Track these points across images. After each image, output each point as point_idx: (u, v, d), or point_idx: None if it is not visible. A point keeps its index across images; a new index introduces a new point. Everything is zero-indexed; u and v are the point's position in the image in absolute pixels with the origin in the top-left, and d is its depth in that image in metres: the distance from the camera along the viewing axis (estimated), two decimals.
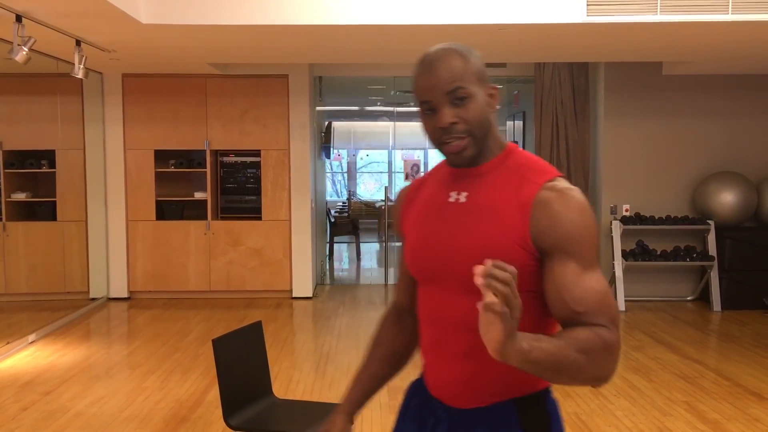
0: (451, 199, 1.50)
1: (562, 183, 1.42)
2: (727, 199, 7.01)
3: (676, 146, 7.41)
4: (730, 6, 4.68)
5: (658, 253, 7.17)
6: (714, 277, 6.99)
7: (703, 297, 7.33)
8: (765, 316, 6.73)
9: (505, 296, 1.19)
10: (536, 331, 1.33)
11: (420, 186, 1.62)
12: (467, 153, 1.45)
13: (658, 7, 4.72)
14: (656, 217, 7.26)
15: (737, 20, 4.72)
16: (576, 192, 1.41)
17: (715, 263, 6.98)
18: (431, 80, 1.44)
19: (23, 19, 4.46)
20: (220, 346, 2.88)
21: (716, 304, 6.96)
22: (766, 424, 3.96)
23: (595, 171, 7.62)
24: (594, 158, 7.62)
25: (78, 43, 5.28)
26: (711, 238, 7.06)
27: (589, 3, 4.75)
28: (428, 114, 1.46)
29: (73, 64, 5.31)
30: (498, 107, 1.48)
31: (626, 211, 7.40)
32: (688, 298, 7.44)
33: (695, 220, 7.16)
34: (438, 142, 1.47)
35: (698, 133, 7.40)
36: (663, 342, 5.79)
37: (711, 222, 7.07)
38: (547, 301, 1.41)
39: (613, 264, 7.09)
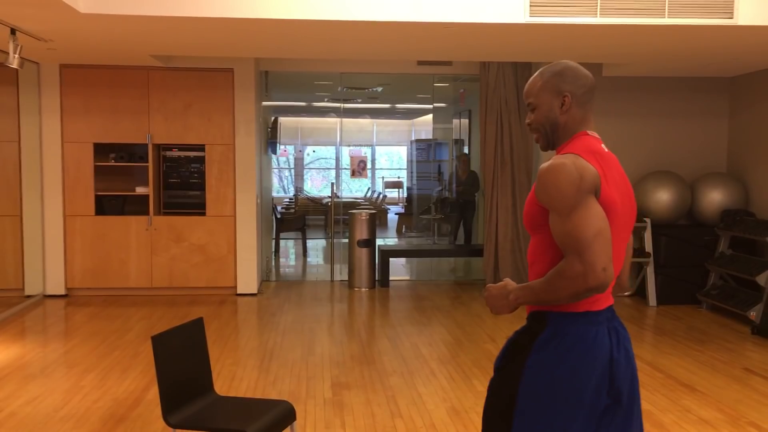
0: None
1: (556, 160, 1.93)
2: (662, 197, 7.25)
3: (614, 146, 7.61)
4: (667, 9, 4.84)
5: None
6: (650, 273, 7.22)
7: (640, 292, 7.56)
8: (698, 311, 6.98)
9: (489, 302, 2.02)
10: (556, 258, 1.94)
11: None
12: (539, 142, 2.12)
13: (598, 10, 4.85)
14: None
15: (673, 23, 4.88)
16: (557, 163, 1.91)
17: (651, 259, 7.21)
18: (524, 93, 2.11)
19: None
20: (160, 343, 2.83)
21: (652, 299, 7.19)
22: (697, 414, 4.12)
23: (537, 168, 7.76)
24: (537, 156, 7.77)
25: (13, 31, 5.10)
26: (647, 235, 7.28)
27: (532, 4, 4.84)
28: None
29: (8, 53, 5.13)
30: (569, 109, 2.05)
31: None
32: (625, 294, 7.67)
33: None
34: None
35: (635, 134, 7.63)
36: None
37: (647, 220, 7.29)
38: None
39: None
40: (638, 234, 7.51)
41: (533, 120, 2.08)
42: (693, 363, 5.17)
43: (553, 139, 2.07)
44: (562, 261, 1.86)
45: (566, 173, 1.87)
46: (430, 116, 12.36)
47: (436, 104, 10.39)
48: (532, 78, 2.10)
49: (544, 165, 1.93)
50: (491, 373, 4.84)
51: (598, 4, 4.81)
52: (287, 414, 2.95)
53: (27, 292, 7.16)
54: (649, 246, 7.26)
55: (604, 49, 6.00)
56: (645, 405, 4.26)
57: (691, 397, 4.41)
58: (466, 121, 10.18)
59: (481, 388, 4.55)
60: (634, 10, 4.84)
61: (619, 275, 2.10)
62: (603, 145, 2.03)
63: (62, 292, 7.32)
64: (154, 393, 4.38)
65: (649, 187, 7.31)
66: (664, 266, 7.26)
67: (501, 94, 7.53)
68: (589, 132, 2.03)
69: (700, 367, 5.05)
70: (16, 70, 5.37)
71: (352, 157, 11.37)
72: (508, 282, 1.99)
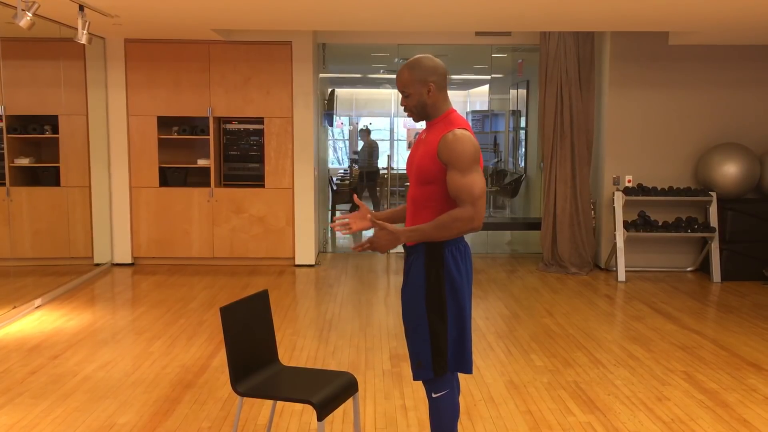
0: (422, 137, 2.77)
1: (458, 131, 2.58)
2: (729, 170, 7.02)
3: (680, 117, 7.39)
4: None
5: (660, 224, 7.20)
6: (715, 248, 7.03)
7: (704, 268, 7.38)
8: (764, 287, 6.79)
9: (370, 247, 2.66)
10: (448, 206, 2.62)
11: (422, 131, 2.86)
12: (414, 119, 2.75)
13: None
14: (659, 188, 7.28)
15: None
16: (460, 133, 2.57)
17: (716, 234, 7.02)
18: (397, 84, 2.72)
19: None
20: (228, 314, 2.92)
21: (716, 275, 7.01)
22: (763, 393, 4.03)
23: (598, 141, 7.61)
24: (598, 128, 7.60)
25: (81, 8, 5.23)
26: (713, 210, 7.08)
27: None
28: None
29: (77, 29, 5.27)
30: (433, 93, 2.67)
31: (629, 181, 7.41)
32: (689, 269, 7.50)
33: (697, 192, 7.18)
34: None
35: (702, 104, 7.37)
36: (662, 312, 5.85)
37: (713, 193, 7.09)
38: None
39: (615, 234, 7.13)
40: (703, 208, 7.31)
41: (407, 104, 2.70)
42: (759, 341, 5.04)
43: (425, 115, 2.71)
44: (457, 208, 2.55)
45: (470, 142, 2.56)
46: (486, 87, 12.19)
47: (493, 75, 10.25)
48: (400, 71, 2.68)
49: (450, 134, 2.57)
50: (550, 348, 4.84)
51: None
52: (350, 386, 3.02)
53: (96, 261, 7.44)
54: (714, 221, 7.06)
55: (671, 16, 5.79)
56: (709, 383, 4.19)
57: (758, 376, 4.31)
58: (524, 91, 10.01)
59: (540, 363, 4.55)
60: None
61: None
62: None
63: (129, 260, 7.58)
64: (219, 360, 4.52)
65: (715, 160, 7.09)
66: (729, 241, 7.06)
67: (561, 64, 7.37)
68: (453, 108, 2.71)
69: (767, 346, 4.92)
70: (84, 45, 5.51)
71: (408, 129, 11.33)
72: (390, 226, 2.62)
